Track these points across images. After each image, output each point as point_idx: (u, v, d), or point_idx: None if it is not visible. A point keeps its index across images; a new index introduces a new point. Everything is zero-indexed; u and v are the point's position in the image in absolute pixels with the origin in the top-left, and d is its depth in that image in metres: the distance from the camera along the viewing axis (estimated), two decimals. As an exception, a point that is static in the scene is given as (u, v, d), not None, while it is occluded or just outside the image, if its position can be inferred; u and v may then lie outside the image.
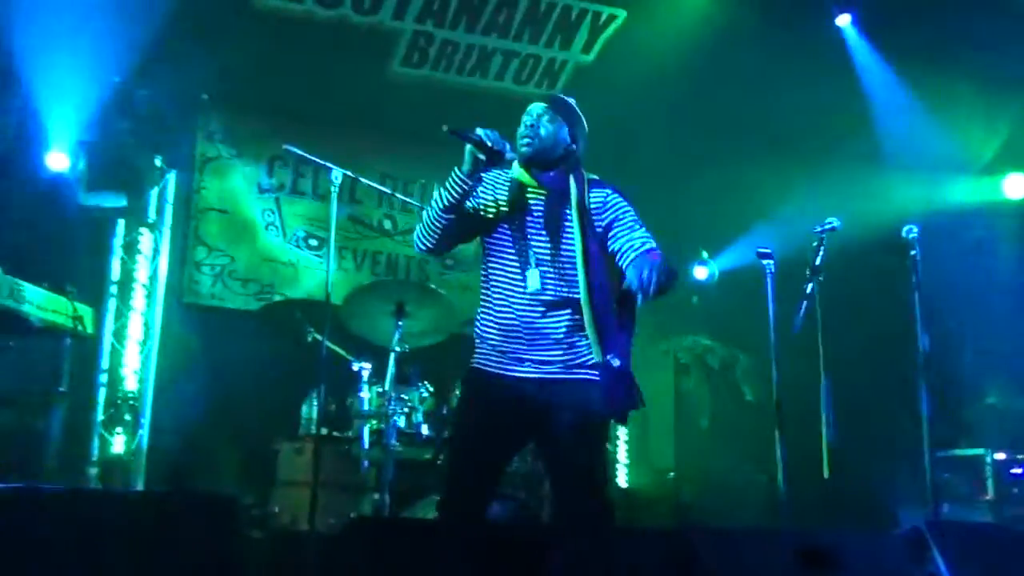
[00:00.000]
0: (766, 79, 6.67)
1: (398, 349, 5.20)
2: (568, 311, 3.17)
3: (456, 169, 3.17)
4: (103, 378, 6.42)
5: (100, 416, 6.35)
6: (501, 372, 3.21)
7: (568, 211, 3.20)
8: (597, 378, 3.14)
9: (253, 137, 7.37)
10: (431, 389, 5.51)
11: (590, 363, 3.17)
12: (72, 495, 3.49)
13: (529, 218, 3.24)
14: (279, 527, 5.11)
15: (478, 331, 3.29)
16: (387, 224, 7.70)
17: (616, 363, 3.13)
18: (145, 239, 6.78)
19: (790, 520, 4.31)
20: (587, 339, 3.16)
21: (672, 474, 7.17)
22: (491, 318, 3.25)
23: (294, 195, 7.48)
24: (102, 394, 6.39)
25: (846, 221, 4.59)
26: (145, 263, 6.77)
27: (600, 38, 7.24)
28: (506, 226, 3.26)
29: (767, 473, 6.26)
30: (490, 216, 3.27)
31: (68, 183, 6.24)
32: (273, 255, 7.36)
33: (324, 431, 5.21)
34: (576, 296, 3.16)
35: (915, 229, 4.52)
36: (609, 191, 3.33)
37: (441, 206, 3.19)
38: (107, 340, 6.47)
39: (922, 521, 3.82)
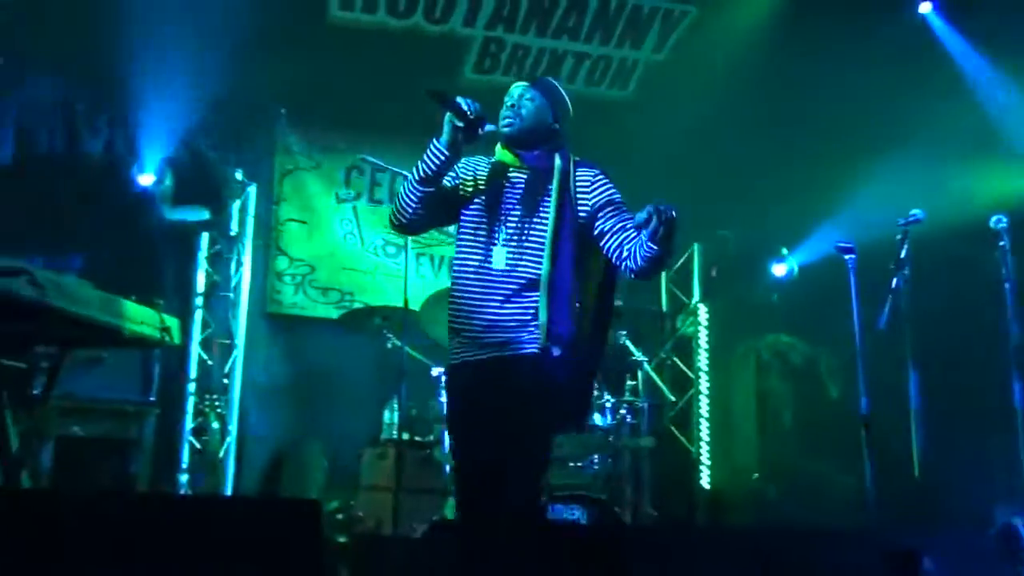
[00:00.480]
0: (842, 69, 6.54)
1: (477, 353, 5.22)
2: (534, 293, 3.05)
3: (434, 140, 3.09)
4: (191, 387, 6.58)
5: (189, 424, 6.51)
6: (465, 360, 3.12)
7: (549, 187, 3.13)
8: (536, 354, 3.01)
9: (330, 148, 7.48)
10: (511, 392, 5.51)
11: (532, 348, 3.02)
12: (163, 500, 3.60)
13: (507, 196, 3.15)
14: (363, 531, 5.19)
15: (450, 321, 3.18)
16: (463, 230, 7.75)
17: (555, 352, 3.01)
18: (228, 251, 6.94)
19: (878, 521, 4.21)
20: (538, 322, 3.03)
21: (756, 474, 7.07)
22: (457, 303, 3.14)
23: (371, 203, 7.57)
24: (190, 403, 6.55)
25: (930, 212, 4.48)
26: (229, 274, 6.93)
27: (671, 36, 7.18)
28: (482, 206, 3.17)
29: (854, 472, 6.13)
30: (468, 195, 3.20)
31: (154, 199, 6.42)
32: (352, 263, 7.46)
33: (405, 436, 5.27)
34: (538, 275, 3.05)
35: (1004, 219, 4.39)
36: (598, 171, 3.28)
37: (416, 178, 3.09)
38: (194, 350, 6.64)
39: (1018, 518, 3.70)
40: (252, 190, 7.10)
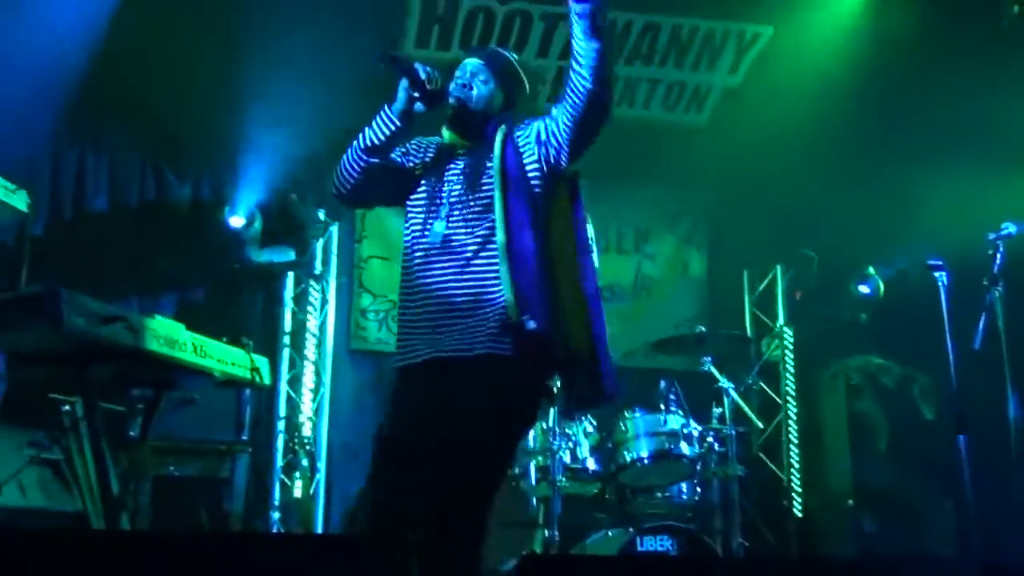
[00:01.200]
0: (926, 82, 6.41)
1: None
2: (481, 264, 2.81)
3: (385, 106, 2.92)
4: (281, 425, 6.69)
5: (279, 462, 6.61)
6: (414, 362, 2.87)
7: (490, 157, 2.89)
8: (507, 351, 2.73)
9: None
10: (594, 423, 5.49)
11: (497, 329, 2.74)
12: (255, 539, 3.65)
13: (449, 177, 2.96)
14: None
15: (399, 315, 2.98)
16: (543, 260, 7.75)
17: (531, 325, 2.70)
18: (313, 290, 7.07)
19: (980, 547, 4.06)
20: (500, 297, 2.75)
21: (851, 501, 6.88)
22: (406, 293, 2.95)
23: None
24: (280, 441, 6.66)
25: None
26: (314, 313, 7.05)
27: (746, 58, 7.12)
28: (427, 187, 2.98)
29: (953, 497, 5.94)
30: (415, 177, 3.02)
31: (242, 241, 6.58)
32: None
33: (492, 469, 5.26)
34: (492, 248, 2.80)
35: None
36: (531, 119, 3.04)
37: (361, 145, 2.92)
38: (283, 389, 6.76)
39: None
40: (335, 229, 7.22)
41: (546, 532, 5.01)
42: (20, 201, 4.11)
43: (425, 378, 2.85)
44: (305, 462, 6.60)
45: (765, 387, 7.63)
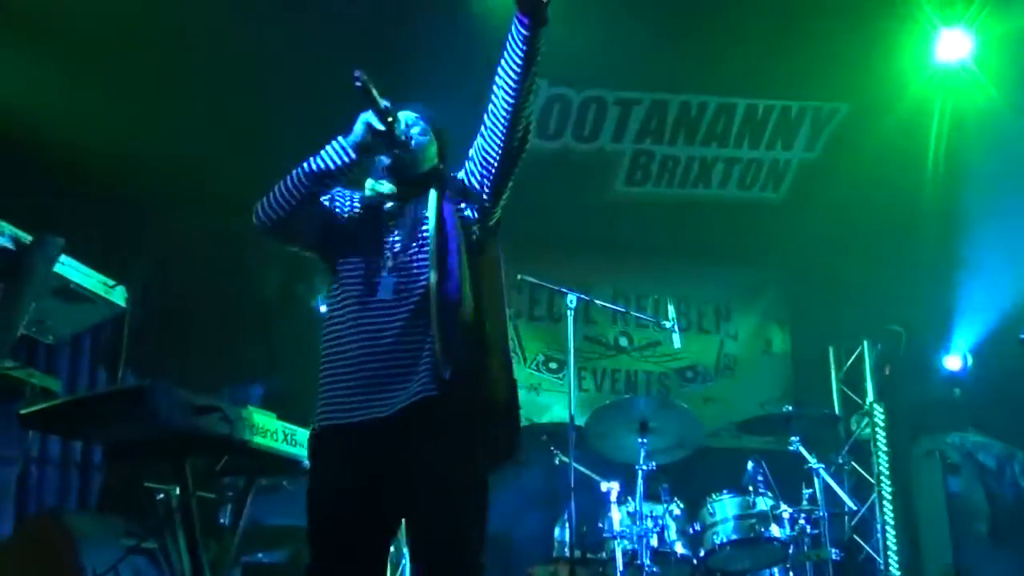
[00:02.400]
0: (1001, 156, 6.32)
1: (645, 466, 5.16)
2: (423, 322, 2.69)
3: (340, 138, 2.80)
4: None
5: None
6: (350, 422, 2.68)
7: (426, 210, 2.82)
8: (434, 392, 2.62)
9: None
10: (682, 505, 5.41)
11: (426, 378, 2.64)
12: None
13: (387, 228, 2.85)
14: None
15: (322, 378, 2.78)
16: (623, 341, 7.74)
17: (445, 374, 2.61)
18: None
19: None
20: (430, 347, 2.65)
21: (953, 585, 6.61)
22: (341, 350, 2.75)
23: (531, 321, 7.68)
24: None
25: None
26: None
27: (824, 133, 7.11)
28: (364, 239, 2.85)
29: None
30: (343, 225, 2.89)
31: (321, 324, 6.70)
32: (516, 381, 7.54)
33: (578, 554, 5.21)
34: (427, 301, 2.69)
35: None
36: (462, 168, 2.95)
37: (307, 171, 2.76)
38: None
39: None
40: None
41: (635, 619, 4.92)
42: (119, 297, 4.27)
43: (364, 439, 2.67)
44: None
45: (856, 466, 7.43)
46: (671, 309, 5.53)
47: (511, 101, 2.73)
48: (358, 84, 2.67)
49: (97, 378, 5.96)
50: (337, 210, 2.92)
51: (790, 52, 6.19)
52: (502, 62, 2.75)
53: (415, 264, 2.78)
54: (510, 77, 2.73)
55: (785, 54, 6.21)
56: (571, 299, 4.97)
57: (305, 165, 2.79)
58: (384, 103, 2.75)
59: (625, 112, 6.89)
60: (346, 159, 2.78)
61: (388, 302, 2.74)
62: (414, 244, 2.80)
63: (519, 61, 2.70)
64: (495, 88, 2.78)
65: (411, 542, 2.70)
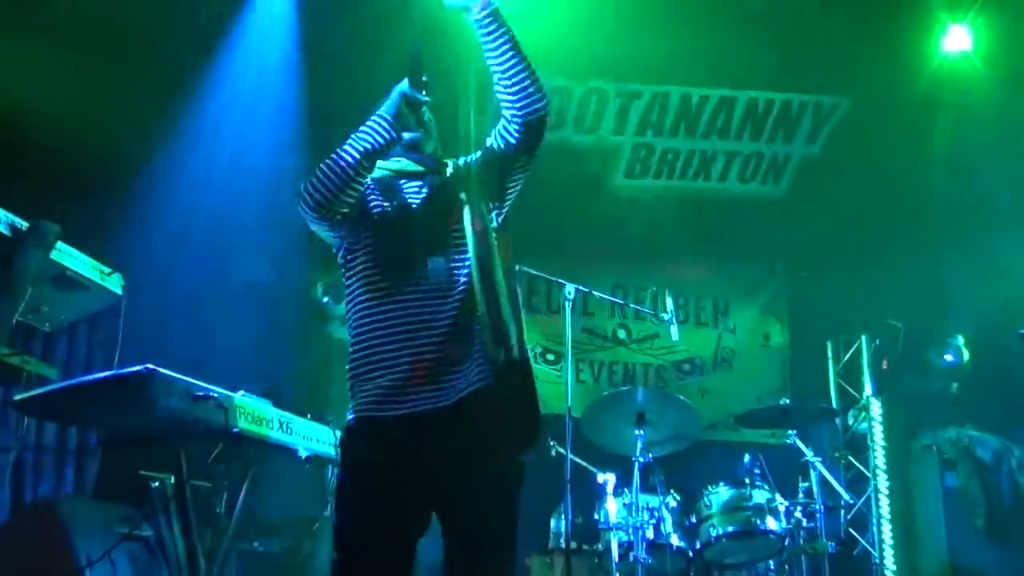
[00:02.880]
0: (1009, 148, 6.31)
1: (641, 458, 5.16)
2: (471, 307, 2.65)
3: (381, 114, 2.73)
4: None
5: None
6: (398, 413, 2.61)
7: (455, 186, 2.81)
8: (490, 381, 2.60)
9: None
10: (678, 498, 5.41)
11: (480, 367, 2.62)
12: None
13: (412, 210, 2.80)
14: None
15: (361, 367, 2.67)
16: (621, 334, 7.74)
17: (515, 355, 2.59)
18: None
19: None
20: (479, 333, 2.62)
21: (948, 580, 6.62)
22: (382, 336, 2.65)
23: (529, 312, 7.67)
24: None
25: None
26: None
27: (825, 128, 7.10)
28: (388, 221, 2.78)
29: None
30: (370, 204, 2.80)
31: (325, 317, 6.71)
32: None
33: (573, 544, 5.21)
34: (468, 282, 2.66)
35: None
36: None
37: (359, 151, 2.67)
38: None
39: None
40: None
41: (630, 610, 4.92)
42: (115, 284, 4.26)
43: (414, 430, 2.61)
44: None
45: (853, 460, 7.43)
46: (669, 301, 5.53)
47: (508, 88, 2.74)
48: (415, 52, 2.68)
49: (94, 366, 5.93)
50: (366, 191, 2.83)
51: (792, 46, 6.18)
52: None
53: (454, 247, 2.72)
54: (497, 72, 2.75)
55: (787, 48, 6.20)
56: (569, 290, 4.97)
57: (355, 144, 2.70)
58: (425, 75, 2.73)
59: (626, 104, 6.88)
60: (392, 135, 2.72)
61: (439, 286, 2.67)
62: (450, 226, 2.75)
63: (492, 54, 2.73)
64: (497, 79, 2.78)
65: (452, 530, 2.65)
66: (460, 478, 2.61)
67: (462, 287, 2.69)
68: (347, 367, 2.74)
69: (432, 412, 2.60)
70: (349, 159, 2.68)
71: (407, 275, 2.68)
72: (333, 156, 2.70)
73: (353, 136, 2.73)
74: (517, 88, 2.73)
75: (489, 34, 2.74)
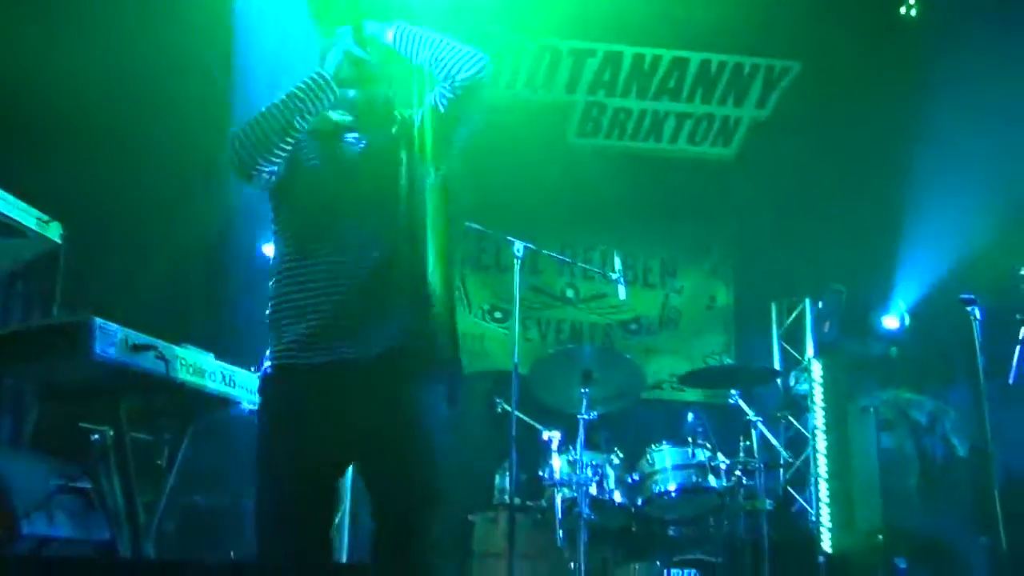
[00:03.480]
0: (957, 115, 6.39)
1: (586, 416, 5.20)
2: (396, 263, 2.69)
3: (320, 71, 2.70)
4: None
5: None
6: (312, 362, 2.63)
7: (396, 141, 2.80)
8: (408, 341, 2.65)
9: (436, 216, 7.62)
10: (621, 455, 5.47)
11: (400, 324, 2.65)
12: (279, 571, 3.64)
13: (346, 163, 2.79)
14: (479, 599, 5.16)
15: (280, 316, 2.69)
16: (569, 292, 7.76)
17: (438, 312, 2.67)
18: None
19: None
20: (404, 292, 2.67)
21: (881, 537, 6.79)
22: (300, 288, 2.66)
23: (477, 269, 7.66)
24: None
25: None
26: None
27: (774, 92, 7.14)
28: (319, 174, 2.76)
29: (986, 534, 5.84)
30: (302, 155, 2.76)
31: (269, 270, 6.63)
32: (460, 329, 7.53)
33: (517, 501, 5.25)
34: (394, 236, 2.69)
35: None
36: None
37: (294, 108, 2.63)
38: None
39: None
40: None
41: (572, 565, 4.97)
42: (54, 232, 4.16)
43: (330, 379, 2.62)
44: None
45: (793, 421, 7.57)
46: (618, 261, 5.54)
47: (438, 72, 2.76)
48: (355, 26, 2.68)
49: (31, 315, 5.82)
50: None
51: (745, 8, 6.18)
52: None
53: (386, 202, 2.73)
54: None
55: (740, 10, 6.21)
56: (518, 248, 4.95)
57: (290, 102, 2.65)
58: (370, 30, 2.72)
59: (579, 63, 6.85)
60: (332, 95, 2.70)
61: (363, 241, 2.67)
62: (382, 181, 2.75)
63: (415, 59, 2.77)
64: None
65: (373, 480, 2.68)
66: (378, 427, 2.63)
67: (387, 243, 2.70)
68: (266, 314, 2.75)
69: (349, 362, 2.62)
70: (282, 120, 2.64)
71: (332, 228, 2.69)
72: (265, 114, 2.64)
73: (289, 94, 2.67)
74: (444, 72, 2.74)
75: (405, 49, 2.77)
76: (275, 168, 2.70)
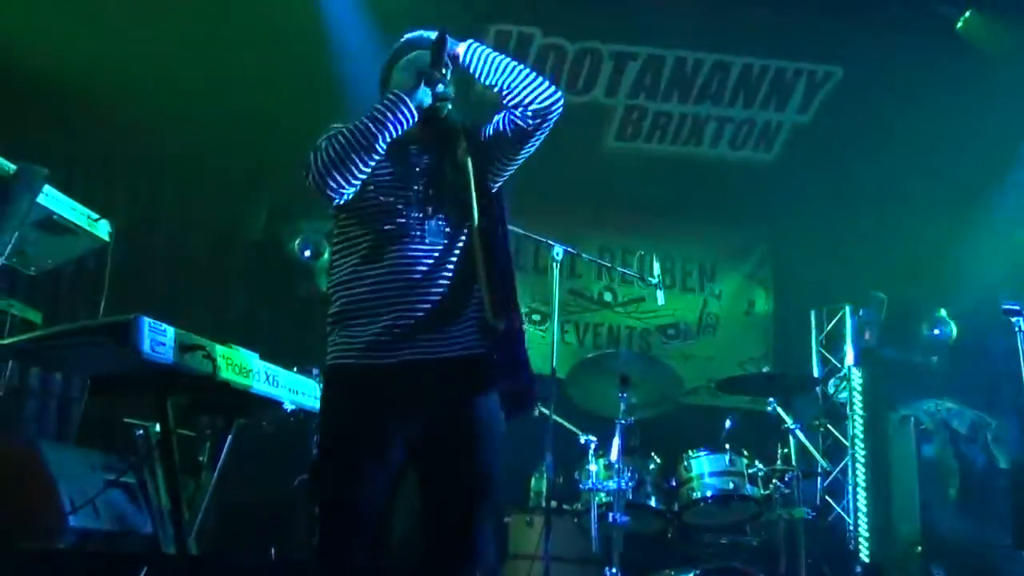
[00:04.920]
0: (1000, 122, 6.32)
1: (624, 421, 5.19)
2: (469, 271, 2.74)
3: (403, 95, 2.68)
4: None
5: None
6: (375, 363, 2.68)
7: (457, 146, 2.83)
8: (483, 350, 2.70)
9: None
10: (658, 460, 5.46)
11: (473, 330, 2.72)
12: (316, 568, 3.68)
13: (414, 172, 2.82)
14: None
15: (345, 315, 2.73)
16: (607, 296, 7.76)
17: (515, 325, 2.66)
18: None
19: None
20: (476, 297, 2.71)
21: (919, 548, 6.72)
22: (369, 291, 2.71)
23: (517, 271, 7.64)
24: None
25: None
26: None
27: (817, 97, 7.09)
28: (388, 182, 2.79)
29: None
30: (379, 165, 2.75)
31: (311, 272, 6.69)
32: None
33: (553, 504, 5.26)
34: (465, 246, 2.75)
35: None
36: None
37: (376, 133, 2.63)
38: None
39: None
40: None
41: (607, 569, 4.97)
42: (103, 230, 4.23)
43: (399, 380, 2.68)
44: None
45: (832, 429, 7.50)
46: (656, 266, 5.53)
47: (516, 107, 2.82)
48: (439, 39, 2.72)
49: (78, 311, 5.92)
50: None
51: (788, 13, 6.15)
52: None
53: (454, 210, 2.77)
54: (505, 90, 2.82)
55: (783, 15, 6.17)
56: (557, 251, 4.96)
57: (373, 127, 2.66)
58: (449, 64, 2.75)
59: (620, 66, 6.85)
60: (413, 119, 2.70)
61: (435, 247, 2.73)
62: (448, 190, 2.78)
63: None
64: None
65: (428, 480, 2.73)
66: (443, 431, 2.67)
67: (460, 251, 2.76)
68: (329, 314, 2.79)
69: (420, 363, 2.67)
70: (365, 142, 2.65)
71: (405, 235, 2.73)
72: (347, 136, 2.66)
73: (372, 117, 2.68)
74: (517, 100, 2.80)
75: (475, 68, 2.81)
76: (356, 186, 2.72)
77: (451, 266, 2.75)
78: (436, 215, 2.76)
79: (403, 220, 2.74)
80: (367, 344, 2.69)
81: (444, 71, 2.75)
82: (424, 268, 2.71)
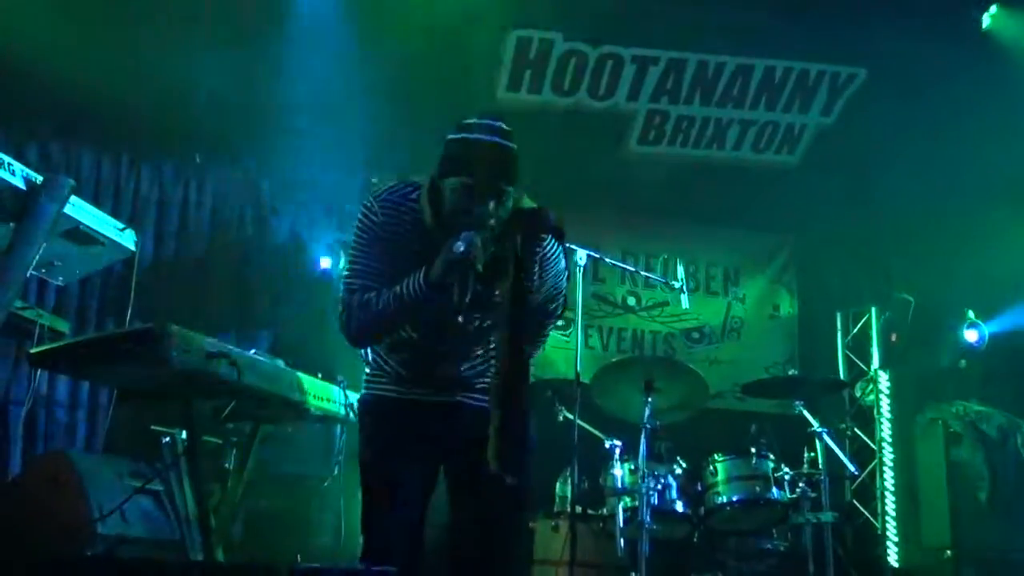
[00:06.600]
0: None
1: (649, 425, 5.18)
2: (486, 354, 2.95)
3: (422, 280, 2.70)
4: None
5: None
6: (408, 397, 2.92)
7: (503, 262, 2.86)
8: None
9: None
10: (684, 465, 5.44)
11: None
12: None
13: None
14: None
15: (387, 348, 2.93)
16: (631, 300, 7.74)
17: (506, 468, 2.75)
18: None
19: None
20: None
21: (949, 552, 6.65)
22: (401, 360, 2.93)
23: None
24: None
25: None
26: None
27: (840, 99, 7.05)
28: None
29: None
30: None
31: (332, 280, 6.73)
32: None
33: (579, 509, 5.25)
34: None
35: None
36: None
37: (400, 311, 2.73)
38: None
39: None
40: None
41: (632, 574, 4.96)
42: (128, 240, 4.26)
43: (441, 415, 2.92)
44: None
45: (859, 432, 7.46)
46: (680, 270, 5.52)
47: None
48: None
49: (105, 320, 5.98)
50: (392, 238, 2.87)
51: (810, 15, 6.11)
52: None
53: (487, 310, 2.85)
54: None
55: (805, 17, 6.14)
56: (580, 256, 4.96)
57: (400, 315, 2.76)
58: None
59: (641, 70, 6.83)
60: (435, 300, 2.72)
61: (465, 336, 2.90)
62: (487, 293, 2.83)
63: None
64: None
65: (461, 507, 2.98)
66: (477, 463, 2.77)
67: (488, 344, 2.94)
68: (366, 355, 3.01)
69: (455, 404, 2.93)
70: (391, 324, 2.81)
71: (438, 328, 2.86)
72: (376, 312, 2.73)
73: (401, 302, 2.71)
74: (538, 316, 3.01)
75: (542, 266, 3.05)
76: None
77: (479, 353, 2.97)
78: (467, 313, 2.84)
79: (434, 319, 2.83)
80: (405, 378, 2.92)
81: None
82: (452, 350, 2.91)
